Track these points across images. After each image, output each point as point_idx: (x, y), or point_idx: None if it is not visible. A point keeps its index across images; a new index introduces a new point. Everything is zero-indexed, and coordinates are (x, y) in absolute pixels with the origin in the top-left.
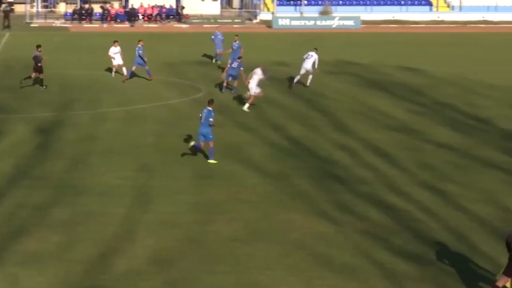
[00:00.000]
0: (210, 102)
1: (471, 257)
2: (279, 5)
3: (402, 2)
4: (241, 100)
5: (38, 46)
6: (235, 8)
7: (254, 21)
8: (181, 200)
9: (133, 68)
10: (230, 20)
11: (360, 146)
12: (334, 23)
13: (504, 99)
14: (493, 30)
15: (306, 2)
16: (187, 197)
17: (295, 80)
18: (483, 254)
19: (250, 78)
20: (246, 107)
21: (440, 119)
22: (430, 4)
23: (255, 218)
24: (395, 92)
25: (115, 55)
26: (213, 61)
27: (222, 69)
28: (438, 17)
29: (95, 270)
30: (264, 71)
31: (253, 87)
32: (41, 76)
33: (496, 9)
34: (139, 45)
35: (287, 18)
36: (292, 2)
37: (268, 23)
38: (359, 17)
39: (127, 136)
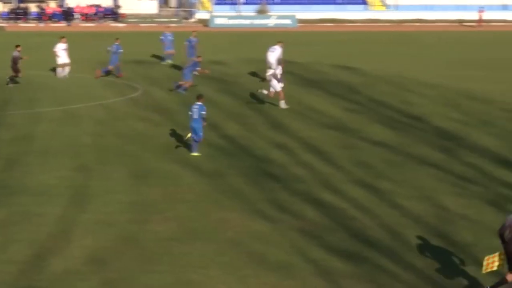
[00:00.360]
0: (200, 97)
1: (405, 254)
2: (216, 4)
3: (338, 1)
4: (180, 100)
5: (17, 46)
6: (172, 7)
7: (191, 20)
8: (118, 199)
9: (110, 67)
10: (167, 19)
11: (296, 145)
12: (271, 22)
13: (439, 97)
14: (429, 29)
15: (243, 1)
16: (124, 197)
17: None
18: (416, 251)
19: (270, 76)
20: (283, 104)
21: (375, 117)
22: (366, 3)
23: (191, 217)
24: (331, 91)
25: (62, 52)
26: (165, 62)
27: (178, 68)
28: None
29: (31, 270)
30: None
31: (275, 84)
32: (18, 75)
33: (431, 8)
34: (116, 43)
35: (224, 17)
36: (229, 1)
37: (205, 22)
38: (295, 16)
39: (63, 135)
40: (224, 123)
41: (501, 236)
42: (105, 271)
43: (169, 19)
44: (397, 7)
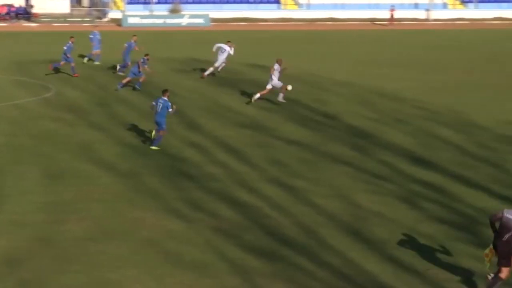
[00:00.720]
0: (165, 92)
1: (321, 252)
2: (128, 3)
3: (251, 0)
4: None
5: None
6: (84, 7)
7: (104, 19)
8: (32, 200)
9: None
10: (79, 19)
11: (211, 144)
12: (184, 21)
13: (351, 95)
14: (340, 28)
15: (155, 0)
16: (38, 197)
17: (209, 71)
18: (331, 249)
19: (272, 74)
20: (281, 97)
21: (289, 115)
22: (278, 2)
23: (106, 216)
24: (246, 90)
25: None
26: (85, 60)
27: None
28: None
29: None
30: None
31: (276, 82)
32: None
33: (343, 6)
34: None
35: (137, 16)
36: (141, 0)
37: (118, 22)
38: (208, 15)
39: None
40: (139, 123)
41: (492, 224)
42: (20, 271)
43: (82, 19)
44: (309, 6)
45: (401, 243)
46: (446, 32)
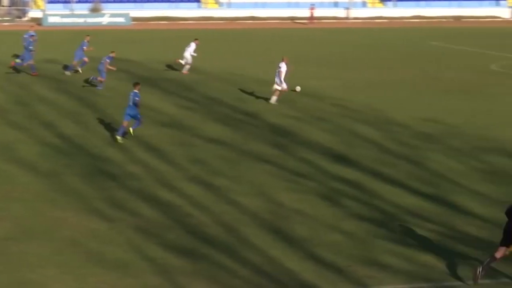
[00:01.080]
0: (136, 84)
1: (242, 250)
2: (49, 2)
3: None
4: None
5: None
6: (4, 6)
7: (24, 18)
8: None
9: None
10: None
11: (132, 143)
12: (105, 20)
13: (270, 93)
14: (261, 26)
15: None
16: None
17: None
18: (253, 247)
19: (277, 73)
20: (274, 100)
21: (210, 114)
22: (199, 1)
23: (27, 216)
24: (166, 88)
25: None
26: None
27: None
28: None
29: None
30: (288, 65)
31: (281, 82)
32: None
33: (263, 5)
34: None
35: (57, 15)
36: None
37: (38, 21)
38: (129, 14)
39: None
40: (59, 122)
41: (508, 213)
42: None
43: (2, 18)
44: (229, 5)
45: (322, 240)
46: (366, 30)
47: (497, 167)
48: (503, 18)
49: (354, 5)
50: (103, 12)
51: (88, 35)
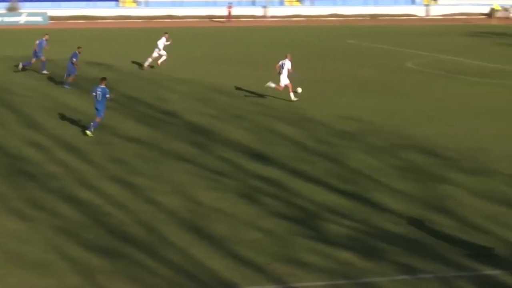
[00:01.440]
0: (102, 80)
1: (162, 249)
2: None
3: None
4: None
5: None
6: None
7: None
8: None
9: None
10: None
11: (51, 142)
12: (22, 19)
13: (190, 92)
14: (179, 25)
15: None
16: None
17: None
18: (173, 246)
19: (279, 69)
20: (292, 96)
21: (129, 113)
22: (117, 0)
23: None
24: (85, 87)
25: None
26: None
27: None
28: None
29: None
30: (292, 63)
31: (283, 79)
32: None
33: (181, 4)
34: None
35: None
36: None
37: None
38: (46, 13)
39: None
40: None
41: None
42: None
43: None
44: (147, 4)
45: (241, 238)
46: (283, 29)
47: (413, 164)
48: (419, 16)
49: (272, 3)
50: (20, 11)
51: (47, 34)
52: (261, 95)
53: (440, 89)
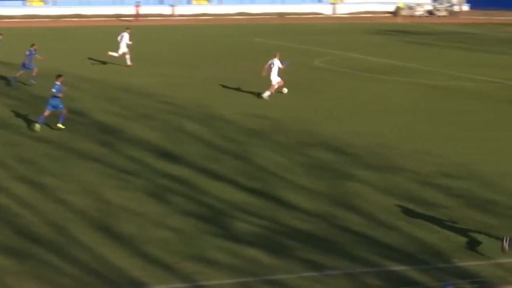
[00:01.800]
0: (59, 77)
1: (71, 248)
2: None
3: None
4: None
5: None
6: None
7: None
8: None
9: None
10: None
11: None
12: None
13: (97, 91)
14: (86, 24)
15: None
16: None
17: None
18: (81, 245)
19: (268, 69)
20: (266, 95)
21: (37, 113)
22: None
23: None
24: None
25: None
26: None
27: None
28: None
29: None
30: (281, 61)
31: (274, 77)
32: None
33: (89, 3)
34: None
35: None
36: None
37: None
38: None
39: None
40: None
41: None
42: None
43: None
44: (55, 2)
45: (150, 237)
46: (191, 27)
47: (320, 161)
48: (325, 15)
49: (180, 2)
50: None
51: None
52: (168, 94)
53: (348, 87)
